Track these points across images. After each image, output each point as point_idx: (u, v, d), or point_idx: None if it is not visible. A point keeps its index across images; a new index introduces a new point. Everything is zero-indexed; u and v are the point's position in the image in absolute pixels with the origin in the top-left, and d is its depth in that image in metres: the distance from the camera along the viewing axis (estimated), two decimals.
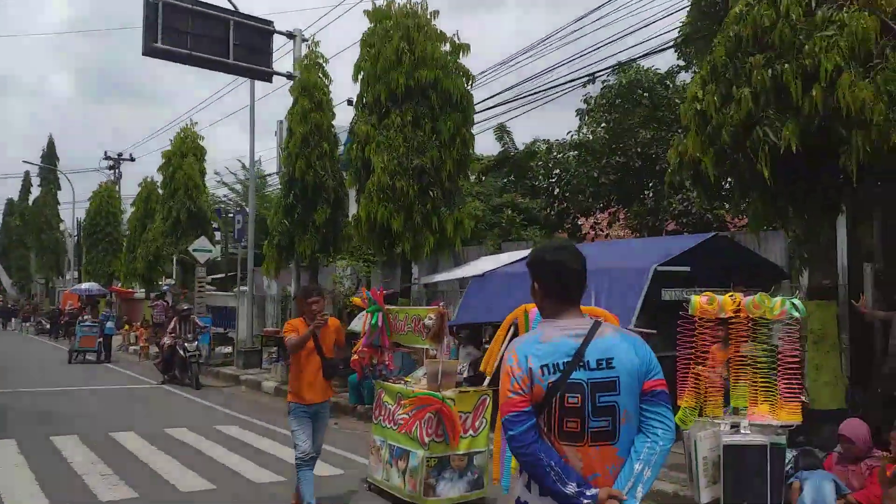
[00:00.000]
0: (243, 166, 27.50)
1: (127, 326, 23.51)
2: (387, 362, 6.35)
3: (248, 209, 16.65)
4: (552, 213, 15.12)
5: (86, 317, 19.50)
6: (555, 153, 15.64)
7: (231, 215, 20.47)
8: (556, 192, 15.06)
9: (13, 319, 36.73)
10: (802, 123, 5.25)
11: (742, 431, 3.28)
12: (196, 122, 21.09)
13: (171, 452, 7.91)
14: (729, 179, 6.45)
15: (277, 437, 8.77)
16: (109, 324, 19.01)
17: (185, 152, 20.24)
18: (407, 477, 5.77)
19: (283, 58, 16.65)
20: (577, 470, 2.25)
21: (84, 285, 27.42)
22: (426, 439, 5.61)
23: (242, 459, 7.65)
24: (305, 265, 13.47)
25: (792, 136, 5.19)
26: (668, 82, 14.16)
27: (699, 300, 3.40)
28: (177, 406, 11.70)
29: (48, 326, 29.78)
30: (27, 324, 33.56)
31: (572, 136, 15.10)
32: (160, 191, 21.48)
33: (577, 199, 14.31)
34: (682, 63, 14.28)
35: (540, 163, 16.09)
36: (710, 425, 3.32)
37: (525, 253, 9.08)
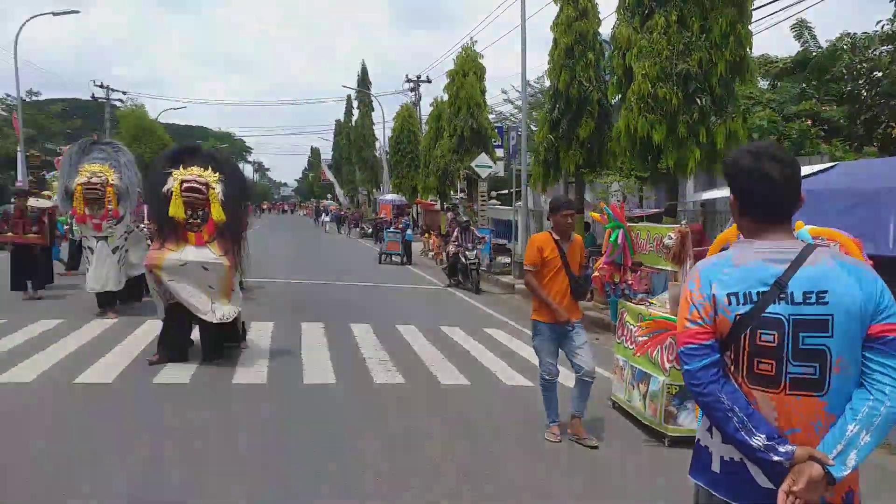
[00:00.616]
0: (528, 83, 27.74)
1: (426, 235, 25.85)
2: (630, 281, 6.05)
3: (521, 126, 16.84)
4: (858, 122, 12.55)
5: (392, 225, 22.01)
6: (862, 50, 12.83)
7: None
8: (863, 97, 12.42)
9: (344, 224, 42.86)
10: None
11: None
12: (475, 41, 21.62)
13: (441, 348, 8.60)
14: None
15: None
16: (409, 232, 21.08)
17: (467, 71, 20.96)
18: (647, 401, 5.54)
19: None
20: (771, 421, 1.87)
21: (388, 196, 30.64)
22: (667, 365, 5.29)
23: (501, 362, 8.03)
24: (571, 181, 13.32)
25: None
26: None
27: None
28: (455, 307, 12.67)
29: (370, 231, 34.20)
30: (356, 229, 38.78)
31: (883, 26, 12.20)
32: (448, 110, 22.75)
33: (890, 104, 11.62)
34: None
35: (845, 63, 13.39)
36: None
37: (816, 169, 7.79)
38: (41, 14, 28.02)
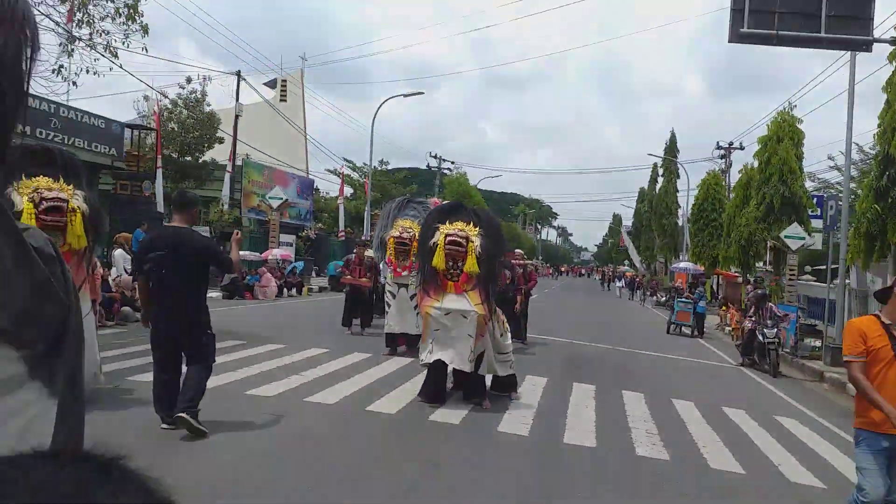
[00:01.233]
0: (860, 149, 24.39)
1: (724, 307, 23.87)
2: None
3: (842, 195, 14.76)
4: None
5: (684, 294, 20.81)
6: None
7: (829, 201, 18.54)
8: None
9: (637, 291, 41.67)
10: None
11: None
12: (794, 105, 19.73)
13: (718, 429, 7.81)
14: None
15: (839, 442, 7.69)
16: (701, 303, 19.70)
17: (782, 136, 19.18)
18: None
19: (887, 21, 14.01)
20: None
21: (683, 265, 29.04)
22: None
23: (787, 454, 7.00)
24: None
25: None
26: None
27: None
28: (744, 388, 11.39)
29: (663, 300, 32.73)
30: (652, 297, 37.30)
31: None
32: (757, 177, 20.99)
33: None
34: None
35: None
36: None
37: None
38: (394, 96, 33.16)
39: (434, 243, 7.63)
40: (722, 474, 6.12)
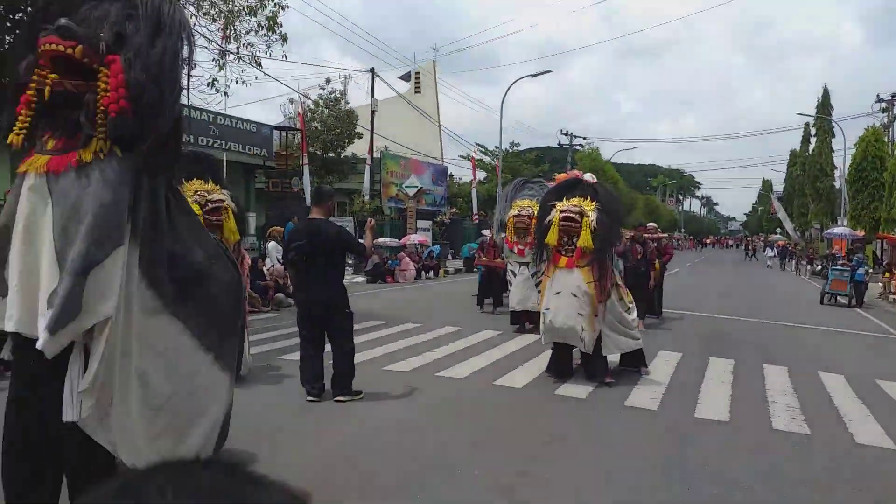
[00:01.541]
0: None
1: (887, 274, 21.58)
2: None
3: None
4: None
5: (840, 261, 19.08)
6: None
7: None
8: None
9: (791, 261, 38.60)
10: None
11: None
12: None
13: (869, 403, 7.20)
14: None
15: None
16: (860, 270, 17.94)
17: None
18: None
19: None
20: None
21: (836, 230, 26.49)
22: None
23: None
24: None
25: None
26: None
27: None
28: None
29: (818, 269, 30.09)
30: (808, 266, 34.26)
31: None
32: None
33: None
34: None
35: None
36: None
37: None
38: (521, 77, 33.03)
39: (549, 220, 7.56)
40: (868, 449, 5.68)
